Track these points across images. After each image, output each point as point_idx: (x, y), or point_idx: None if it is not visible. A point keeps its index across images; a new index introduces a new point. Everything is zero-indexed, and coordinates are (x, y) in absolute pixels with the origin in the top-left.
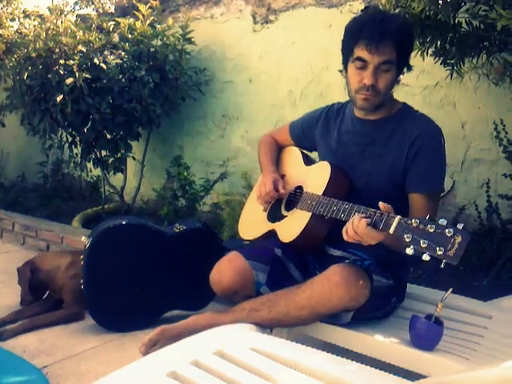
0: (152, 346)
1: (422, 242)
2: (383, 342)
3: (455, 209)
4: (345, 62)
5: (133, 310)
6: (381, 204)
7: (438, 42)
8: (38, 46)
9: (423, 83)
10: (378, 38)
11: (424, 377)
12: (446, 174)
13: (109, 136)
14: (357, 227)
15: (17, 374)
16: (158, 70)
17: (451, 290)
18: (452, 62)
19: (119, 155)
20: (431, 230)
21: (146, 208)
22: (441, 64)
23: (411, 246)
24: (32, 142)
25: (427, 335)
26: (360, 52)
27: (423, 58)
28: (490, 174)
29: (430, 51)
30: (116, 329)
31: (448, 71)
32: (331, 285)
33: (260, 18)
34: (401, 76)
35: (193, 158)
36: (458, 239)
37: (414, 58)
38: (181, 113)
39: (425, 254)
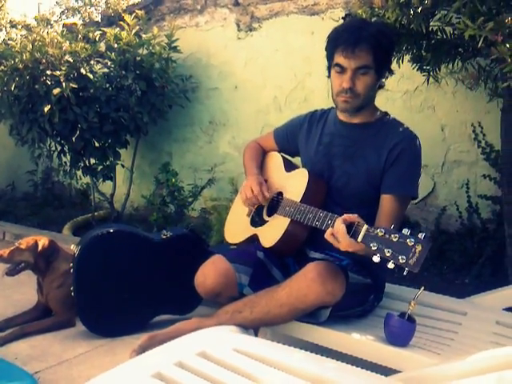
0: (142, 353)
1: (386, 250)
2: (359, 340)
3: (437, 209)
4: (328, 68)
5: (122, 316)
6: (346, 216)
7: (414, 50)
8: (24, 57)
9: (403, 88)
10: (353, 44)
11: (399, 372)
12: (419, 182)
13: (97, 144)
14: (336, 231)
15: (9, 379)
16: (145, 78)
17: (423, 288)
18: (428, 68)
19: (108, 163)
20: (395, 240)
21: (136, 214)
22: (417, 70)
23: (377, 254)
24: (21, 151)
25: (400, 332)
26: (338, 58)
27: (399, 66)
28: (469, 175)
29: (407, 57)
30: (106, 334)
31: (426, 77)
32: (308, 281)
33: (244, 25)
34: (383, 81)
35: (181, 164)
36: (419, 248)
37: (394, 64)
38: (169, 120)
39: (389, 262)
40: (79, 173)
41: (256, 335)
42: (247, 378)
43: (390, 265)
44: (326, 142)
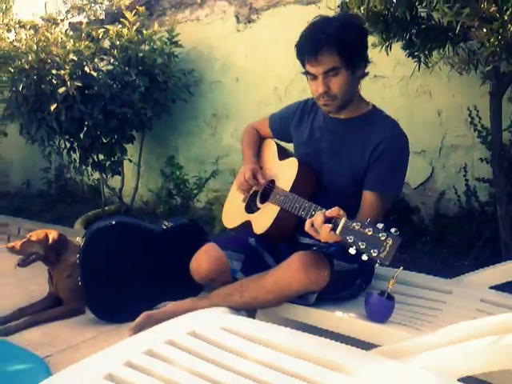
0: (138, 331)
1: (361, 243)
2: (342, 318)
3: (436, 194)
4: (305, 74)
5: (128, 302)
6: (327, 211)
7: (406, 36)
8: (30, 57)
9: (399, 74)
10: (315, 51)
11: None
12: (404, 180)
13: (104, 140)
14: (316, 223)
15: (21, 363)
16: (147, 74)
17: (401, 268)
18: (418, 54)
19: (115, 158)
20: (369, 233)
21: (145, 208)
22: (408, 56)
23: (353, 247)
24: (35, 150)
25: (379, 309)
26: (307, 67)
27: (387, 53)
28: (466, 158)
29: (400, 44)
30: (113, 320)
31: (429, 63)
32: (292, 271)
33: (243, 17)
34: (365, 70)
35: (187, 157)
36: (390, 242)
37: (391, 51)
38: (173, 114)
39: (363, 255)
40: (89, 169)
41: (254, 317)
42: (233, 354)
43: (364, 257)
44: (316, 136)
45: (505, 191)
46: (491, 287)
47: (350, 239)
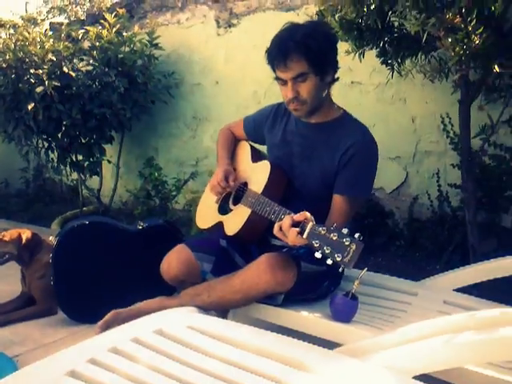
0: (106, 329)
1: (326, 248)
2: (307, 317)
3: (409, 198)
4: (276, 79)
5: (100, 302)
6: (295, 215)
7: (380, 44)
8: (8, 57)
9: (375, 81)
10: (283, 58)
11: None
12: (373, 184)
13: (83, 140)
14: (284, 227)
15: None
16: (127, 75)
17: (366, 269)
18: (391, 62)
19: (94, 159)
20: (334, 238)
21: (124, 209)
22: (381, 64)
23: (319, 251)
24: (13, 148)
25: (343, 309)
26: (277, 72)
27: (360, 60)
28: (439, 164)
29: (375, 52)
30: (85, 320)
31: (402, 70)
32: (259, 271)
33: (223, 22)
34: (334, 76)
35: (167, 158)
36: (353, 247)
37: (368, 58)
38: (153, 115)
39: (328, 259)
40: (67, 169)
41: (225, 318)
42: (198, 352)
43: (329, 261)
44: (288, 139)
45: (473, 196)
46: (456, 289)
47: (316, 244)
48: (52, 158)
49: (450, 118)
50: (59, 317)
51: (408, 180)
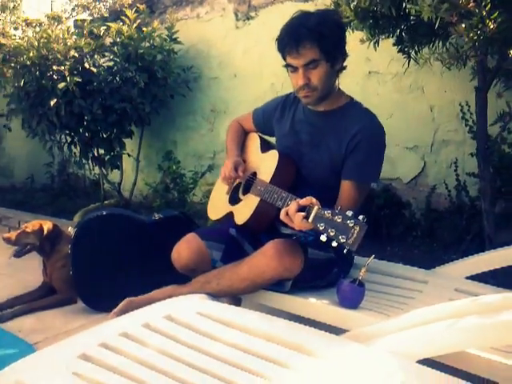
0: (121, 315)
1: (330, 230)
2: (315, 304)
3: (427, 188)
4: (286, 67)
5: (118, 291)
6: (301, 200)
7: (396, 33)
8: (31, 54)
9: (393, 70)
10: (296, 44)
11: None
12: (380, 170)
13: (104, 135)
14: (290, 212)
15: (9, 347)
16: (147, 70)
17: (373, 256)
18: (407, 50)
19: (115, 153)
20: (339, 221)
21: (144, 202)
22: (398, 52)
23: (324, 234)
24: (38, 144)
25: (350, 295)
26: (288, 59)
27: (375, 49)
28: (457, 153)
29: (392, 40)
30: (103, 309)
31: (419, 58)
32: (267, 258)
33: (242, 14)
34: (343, 64)
35: (185, 152)
36: (357, 229)
37: (385, 47)
38: (172, 109)
39: (333, 241)
40: (90, 163)
41: (239, 305)
42: (207, 337)
43: (334, 243)
44: (296, 129)
45: (489, 185)
46: (468, 277)
47: (322, 226)
48: (74, 153)
49: (469, 106)
50: (79, 306)
51: (426, 170)
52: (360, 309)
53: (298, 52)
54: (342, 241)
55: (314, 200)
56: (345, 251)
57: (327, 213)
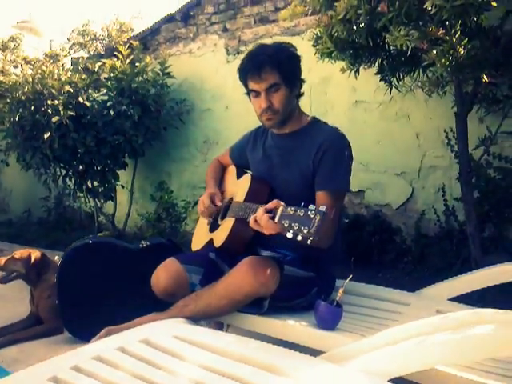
0: None
1: (294, 225)
2: (293, 326)
3: (416, 214)
4: (247, 94)
5: (103, 321)
6: (266, 205)
7: (376, 62)
8: (26, 89)
9: (379, 99)
10: (258, 69)
11: None
12: (350, 177)
13: (98, 167)
14: (257, 217)
15: None
16: (140, 103)
17: (351, 276)
18: (388, 78)
19: (108, 185)
20: (301, 214)
21: (138, 233)
22: (380, 81)
23: (290, 231)
24: (35, 178)
25: (327, 316)
26: (251, 85)
27: (355, 77)
28: (444, 179)
29: (374, 70)
30: (88, 338)
31: (402, 87)
32: (242, 273)
33: (232, 49)
34: (300, 90)
35: (180, 182)
36: (318, 218)
37: (371, 76)
38: (166, 141)
39: (298, 235)
40: (85, 196)
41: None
42: (180, 360)
43: (299, 237)
44: (267, 154)
45: (473, 208)
46: (453, 299)
47: (286, 224)
48: (69, 185)
49: (454, 132)
50: (64, 335)
51: (414, 195)
52: (337, 330)
53: (260, 77)
54: (305, 232)
55: (280, 202)
56: (308, 242)
57: (291, 209)
